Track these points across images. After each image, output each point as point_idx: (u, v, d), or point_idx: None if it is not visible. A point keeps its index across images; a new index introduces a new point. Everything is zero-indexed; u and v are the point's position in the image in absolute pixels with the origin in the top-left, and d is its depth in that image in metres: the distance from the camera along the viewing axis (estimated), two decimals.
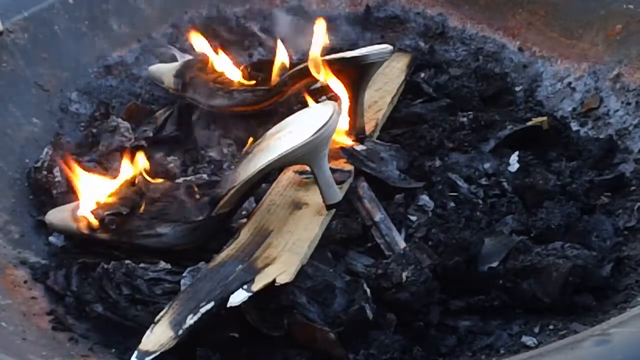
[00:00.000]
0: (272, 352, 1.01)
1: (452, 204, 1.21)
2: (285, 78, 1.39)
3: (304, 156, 1.10)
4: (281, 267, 1.02)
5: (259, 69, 1.48)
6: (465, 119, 1.39)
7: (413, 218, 1.19)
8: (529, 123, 1.37)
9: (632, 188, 1.25)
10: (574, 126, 1.41)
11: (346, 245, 1.16)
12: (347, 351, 1.00)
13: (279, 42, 1.42)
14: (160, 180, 1.24)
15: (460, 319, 1.06)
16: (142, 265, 1.11)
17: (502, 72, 1.57)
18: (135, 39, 1.63)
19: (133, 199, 1.19)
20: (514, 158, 1.30)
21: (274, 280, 1.00)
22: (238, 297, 0.98)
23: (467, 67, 1.60)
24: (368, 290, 1.03)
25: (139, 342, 0.96)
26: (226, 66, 1.47)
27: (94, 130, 1.44)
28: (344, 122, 1.28)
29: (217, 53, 1.50)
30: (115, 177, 1.24)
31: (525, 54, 1.58)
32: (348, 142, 1.29)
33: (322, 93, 1.41)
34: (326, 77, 1.26)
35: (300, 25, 1.68)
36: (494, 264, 1.07)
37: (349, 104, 1.28)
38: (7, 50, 1.45)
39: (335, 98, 1.29)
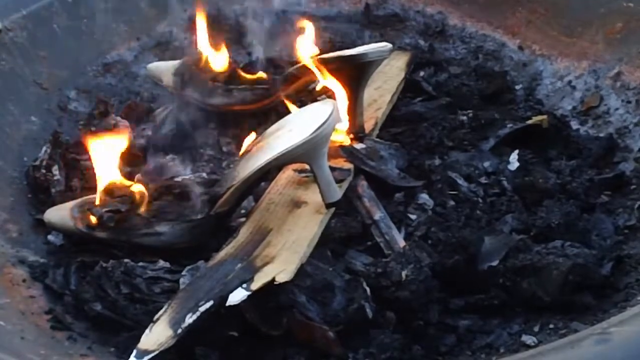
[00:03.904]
0: (271, 351, 1.01)
1: (452, 203, 1.20)
2: (284, 77, 1.39)
3: (303, 155, 1.10)
4: (280, 266, 1.02)
5: (258, 67, 1.48)
6: (465, 118, 1.39)
7: (413, 217, 1.19)
8: (529, 122, 1.37)
9: (632, 187, 1.25)
10: (574, 125, 1.41)
11: (346, 244, 1.15)
12: (347, 350, 1.00)
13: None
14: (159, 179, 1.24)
15: (459, 318, 1.06)
16: (141, 263, 1.11)
17: (502, 70, 1.57)
18: (134, 37, 1.63)
19: (132, 197, 1.19)
20: (513, 157, 1.30)
21: (273, 279, 0.99)
22: (237, 296, 0.97)
23: (467, 66, 1.61)
24: (367, 289, 1.03)
25: (138, 341, 0.96)
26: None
27: (93, 129, 1.43)
28: (343, 121, 1.28)
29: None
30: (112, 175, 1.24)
31: (525, 53, 1.58)
32: (347, 140, 1.29)
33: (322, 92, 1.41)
34: (325, 75, 1.26)
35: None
36: (494, 263, 1.07)
37: (348, 102, 1.28)
38: (6, 49, 1.45)
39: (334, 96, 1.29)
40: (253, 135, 1.27)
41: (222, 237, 1.13)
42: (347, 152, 1.26)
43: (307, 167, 1.14)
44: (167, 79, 1.50)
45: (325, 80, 1.26)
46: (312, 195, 1.16)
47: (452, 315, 1.06)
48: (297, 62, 1.37)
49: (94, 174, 1.23)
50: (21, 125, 1.39)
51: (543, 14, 1.59)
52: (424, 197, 1.21)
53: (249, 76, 1.44)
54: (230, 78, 1.45)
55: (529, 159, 1.29)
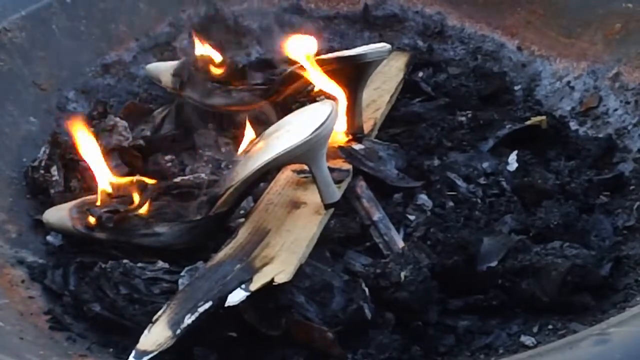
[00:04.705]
0: (270, 351, 1.01)
1: (451, 203, 1.20)
2: (283, 77, 1.39)
3: (302, 155, 1.10)
4: (279, 267, 1.02)
5: (257, 68, 1.48)
6: (463, 118, 1.39)
7: (411, 217, 1.18)
8: (528, 122, 1.37)
9: (631, 187, 1.25)
10: (573, 125, 1.41)
11: (345, 244, 1.15)
12: (346, 351, 0.99)
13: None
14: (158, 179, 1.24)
15: (458, 319, 1.06)
16: (140, 264, 1.11)
17: (501, 71, 1.57)
18: (133, 37, 1.63)
19: (131, 197, 1.19)
20: (512, 157, 1.30)
21: (272, 280, 0.99)
22: (236, 297, 0.97)
23: (466, 66, 1.60)
24: (366, 290, 1.03)
25: (137, 341, 0.96)
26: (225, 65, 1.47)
27: (92, 130, 1.43)
28: (342, 121, 1.28)
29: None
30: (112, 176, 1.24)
31: (524, 53, 1.58)
32: (346, 141, 1.29)
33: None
34: (323, 76, 1.26)
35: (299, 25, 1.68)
36: (493, 264, 1.07)
37: (347, 103, 1.28)
38: (5, 49, 1.44)
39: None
40: (252, 135, 1.27)
41: (221, 238, 1.13)
42: (346, 152, 1.26)
43: (306, 167, 1.14)
44: (166, 79, 1.50)
45: (322, 81, 1.26)
46: (311, 196, 1.16)
47: (451, 316, 1.06)
48: (295, 63, 1.37)
49: (93, 175, 1.24)
50: (20, 125, 1.39)
51: (542, 15, 1.59)
52: (423, 198, 1.21)
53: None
54: (229, 79, 1.45)
55: (528, 160, 1.29)
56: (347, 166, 1.23)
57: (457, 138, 1.36)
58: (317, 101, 1.26)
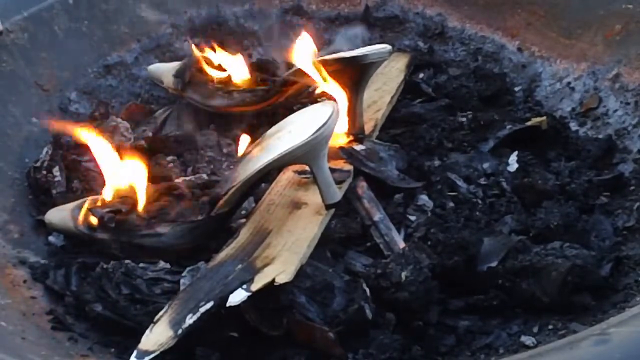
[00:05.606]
0: (271, 351, 1.01)
1: (451, 204, 1.21)
2: (284, 78, 1.39)
3: (303, 156, 1.10)
4: (280, 267, 1.02)
5: (259, 69, 1.49)
6: (464, 119, 1.39)
7: (412, 218, 1.19)
8: (528, 123, 1.37)
9: (631, 188, 1.25)
10: (573, 126, 1.41)
11: (345, 244, 1.16)
12: (346, 351, 1.00)
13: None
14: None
15: (459, 319, 1.06)
16: (141, 264, 1.11)
17: (501, 72, 1.57)
18: (134, 39, 1.63)
19: (133, 198, 1.19)
20: (513, 158, 1.30)
21: (273, 280, 1.00)
22: (237, 297, 0.98)
23: (466, 67, 1.61)
24: (367, 290, 1.03)
25: (139, 341, 0.96)
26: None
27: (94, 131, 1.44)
28: (343, 122, 1.28)
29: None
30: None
31: (525, 54, 1.58)
32: (347, 142, 1.29)
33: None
34: (325, 77, 1.26)
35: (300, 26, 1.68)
36: (493, 264, 1.08)
37: (348, 103, 1.28)
38: (7, 50, 1.45)
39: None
40: (252, 136, 1.28)
41: (222, 238, 1.13)
42: (347, 153, 1.26)
43: (307, 168, 1.14)
44: (167, 80, 1.51)
45: (324, 82, 1.26)
46: (312, 197, 1.16)
47: (451, 316, 1.06)
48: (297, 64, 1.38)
49: (95, 175, 1.24)
50: (22, 126, 1.40)
51: (542, 16, 1.59)
52: (424, 199, 1.22)
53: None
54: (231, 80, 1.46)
55: (528, 160, 1.30)
56: (348, 167, 1.23)
57: (458, 139, 1.36)
58: (319, 102, 1.26)
